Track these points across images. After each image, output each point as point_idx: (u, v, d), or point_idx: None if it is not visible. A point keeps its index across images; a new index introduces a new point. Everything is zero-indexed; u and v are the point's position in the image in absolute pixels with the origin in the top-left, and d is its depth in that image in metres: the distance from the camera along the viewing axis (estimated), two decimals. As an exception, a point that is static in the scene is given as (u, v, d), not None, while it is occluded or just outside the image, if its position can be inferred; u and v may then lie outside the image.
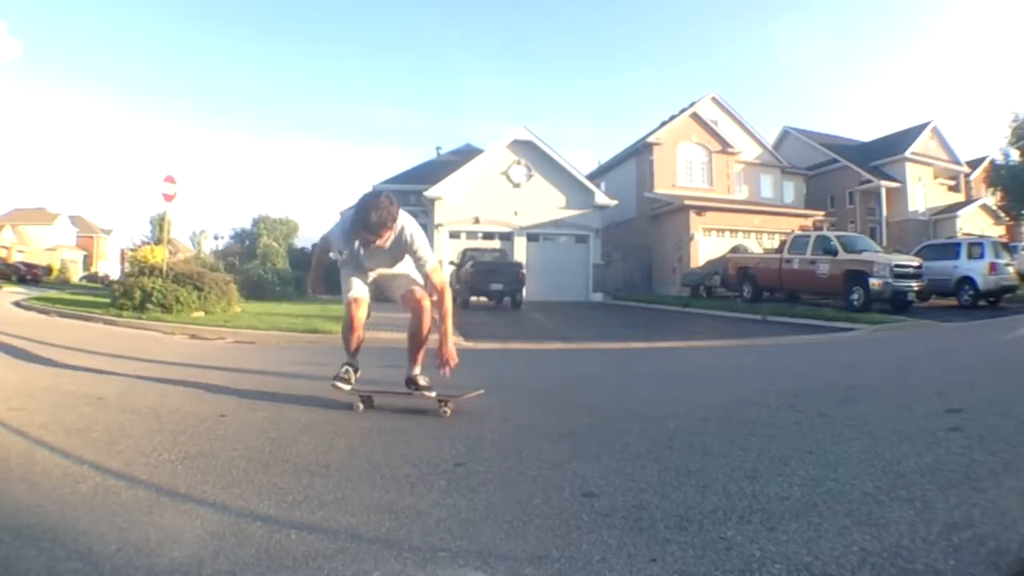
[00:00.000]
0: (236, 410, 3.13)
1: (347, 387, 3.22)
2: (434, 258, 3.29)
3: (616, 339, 8.50)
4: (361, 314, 3.30)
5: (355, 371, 3.31)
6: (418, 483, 2.00)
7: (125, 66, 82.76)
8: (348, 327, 3.34)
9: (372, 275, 3.39)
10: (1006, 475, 1.93)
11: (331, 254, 3.53)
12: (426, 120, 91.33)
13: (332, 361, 5.81)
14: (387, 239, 3.02)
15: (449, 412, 3.06)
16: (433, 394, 3.17)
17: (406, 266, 3.35)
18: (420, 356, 3.31)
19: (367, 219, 2.92)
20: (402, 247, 3.17)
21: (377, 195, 3.03)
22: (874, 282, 11.69)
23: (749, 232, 20.65)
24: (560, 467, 2.17)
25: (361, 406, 3.18)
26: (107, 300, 10.90)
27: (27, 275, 29.35)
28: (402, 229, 3.08)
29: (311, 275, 3.75)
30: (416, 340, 3.28)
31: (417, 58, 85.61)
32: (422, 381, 3.26)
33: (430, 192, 19.17)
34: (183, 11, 75.95)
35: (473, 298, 14.88)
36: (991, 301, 13.18)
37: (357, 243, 3.16)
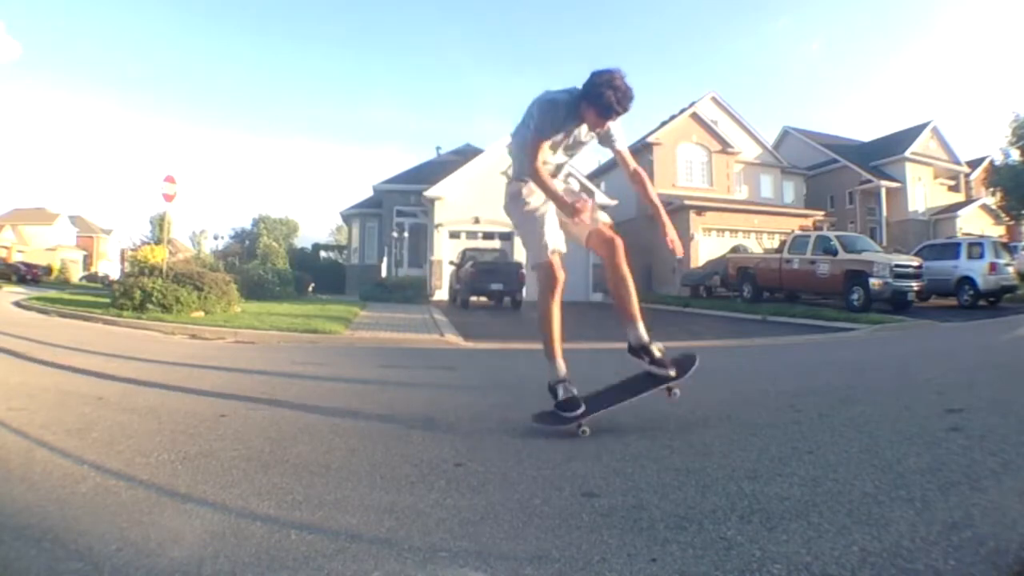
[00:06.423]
0: (236, 410, 3.12)
1: (581, 413, 2.49)
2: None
3: (615, 339, 8.45)
4: (562, 281, 2.56)
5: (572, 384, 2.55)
6: (418, 483, 2.00)
7: (125, 66, 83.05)
8: (550, 309, 2.64)
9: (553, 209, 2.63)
10: (1006, 475, 1.92)
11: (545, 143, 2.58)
12: (426, 120, 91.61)
13: (331, 361, 5.87)
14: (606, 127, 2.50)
15: (678, 395, 2.53)
16: (673, 372, 2.51)
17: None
18: (637, 310, 2.60)
19: (623, 88, 2.36)
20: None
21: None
22: (874, 282, 11.71)
23: (749, 232, 20.68)
24: (560, 467, 2.17)
25: (587, 431, 2.49)
26: (107, 300, 10.88)
27: (27, 275, 29.34)
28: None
29: (552, 191, 2.60)
30: (624, 289, 2.63)
31: (417, 58, 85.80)
32: (657, 351, 2.54)
33: (430, 192, 19.16)
34: (182, 11, 76.11)
35: (473, 298, 14.88)
36: (991, 301, 13.18)
37: (568, 135, 2.57)
